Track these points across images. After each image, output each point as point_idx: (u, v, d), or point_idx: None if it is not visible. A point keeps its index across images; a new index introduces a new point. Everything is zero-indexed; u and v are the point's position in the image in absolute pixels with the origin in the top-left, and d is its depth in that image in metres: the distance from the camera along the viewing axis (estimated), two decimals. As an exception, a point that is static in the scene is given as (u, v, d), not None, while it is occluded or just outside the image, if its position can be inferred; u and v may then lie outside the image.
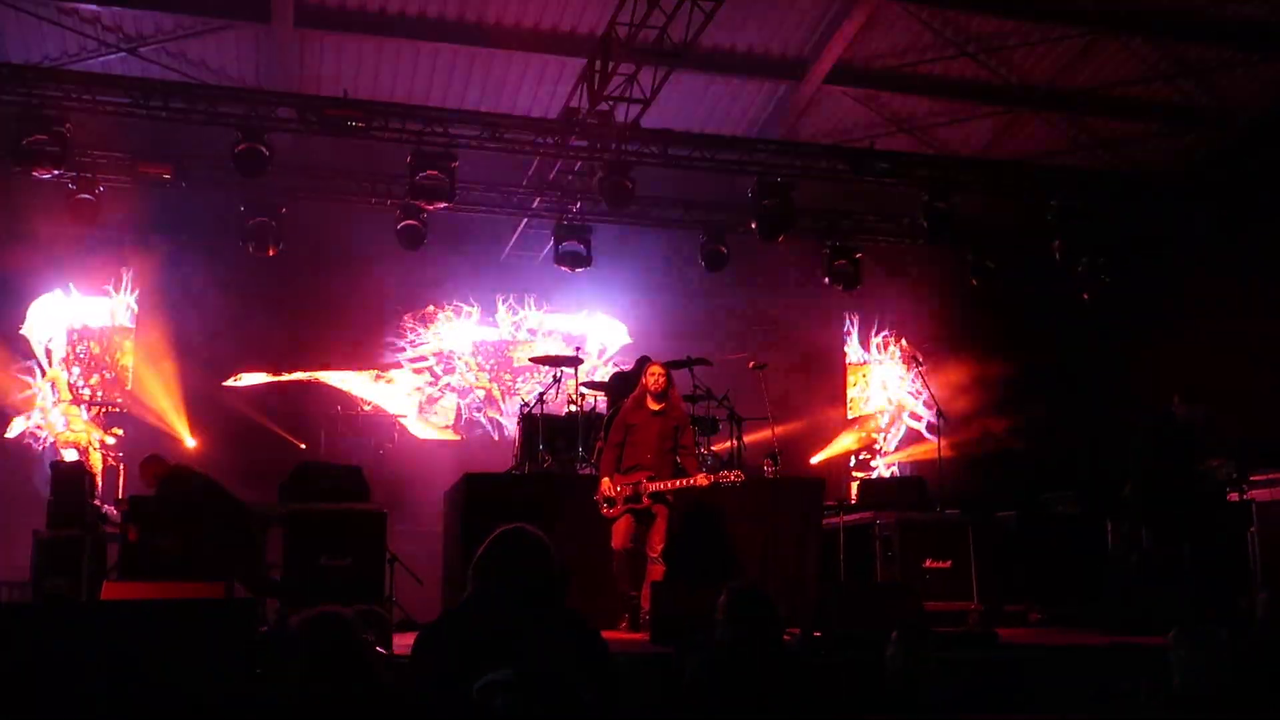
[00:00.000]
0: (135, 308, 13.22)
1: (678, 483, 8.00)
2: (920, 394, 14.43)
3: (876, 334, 15.82)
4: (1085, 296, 14.03)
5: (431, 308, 14.42)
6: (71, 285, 13.05)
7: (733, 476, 8.01)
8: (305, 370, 13.71)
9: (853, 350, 15.77)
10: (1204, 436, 9.25)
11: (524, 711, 3.27)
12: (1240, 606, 8.64)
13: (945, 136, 13.15)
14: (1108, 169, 13.33)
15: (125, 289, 13.23)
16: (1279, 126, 12.57)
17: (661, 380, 8.21)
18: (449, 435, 14.34)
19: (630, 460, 8.13)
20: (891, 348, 15.73)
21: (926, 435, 14.44)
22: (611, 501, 8.09)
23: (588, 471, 9.88)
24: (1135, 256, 13.60)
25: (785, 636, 7.31)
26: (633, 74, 10.51)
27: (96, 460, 12.74)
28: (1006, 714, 4.44)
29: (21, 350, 12.80)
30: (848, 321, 15.63)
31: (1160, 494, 9.08)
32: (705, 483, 7.94)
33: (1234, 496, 9.45)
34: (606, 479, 8.15)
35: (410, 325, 14.31)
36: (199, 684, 3.97)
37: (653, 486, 8.00)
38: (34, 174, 10.57)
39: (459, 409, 14.42)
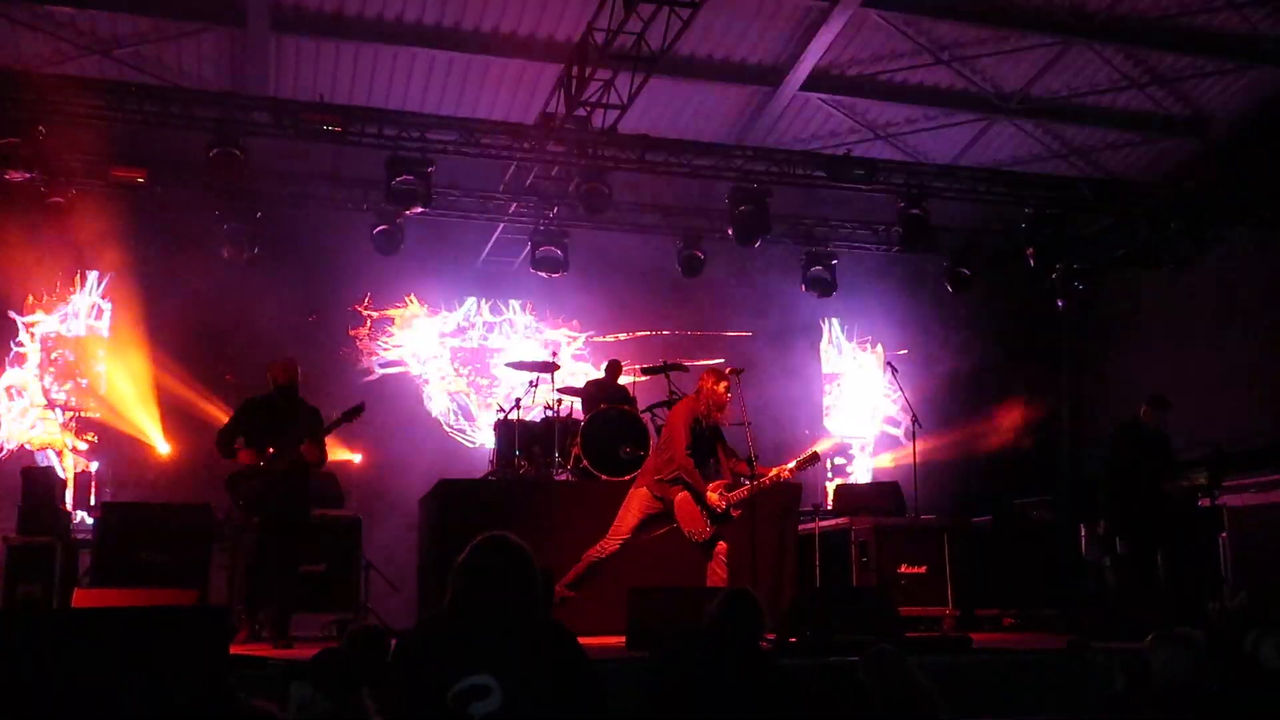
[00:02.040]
0: (108, 314, 13.09)
1: (764, 481, 7.76)
2: (896, 400, 14.47)
3: (852, 340, 15.87)
4: (1060, 303, 14.15)
5: (408, 308, 14.36)
6: (43, 292, 12.93)
7: (810, 455, 7.95)
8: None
9: (828, 356, 15.81)
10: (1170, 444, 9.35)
11: (500, 718, 3.28)
12: (1212, 610, 8.74)
13: (920, 144, 13.22)
14: (1081, 176, 13.44)
15: (97, 294, 13.11)
16: (1252, 134, 12.70)
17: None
18: (423, 437, 14.26)
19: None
20: (868, 354, 15.78)
21: (902, 441, 14.48)
22: (722, 518, 7.69)
23: (564, 477, 9.88)
24: (1109, 263, 13.72)
25: (762, 642, 7.38)
26: (610, 80, 10.52)
27: (78, 461, 12.65)
28: (981, 718, 4.46)
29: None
30: (824, 327, 15.67)
31: (1130, 502, 9.18)
32: (790, 475, 7.84)
33: (1205, 502, 9.54)
34: (713, 493, 7.70)
35: (385, 329, 14.24)
36: (170, 692, 3.94)
37: (738, 495, 7.71)
38: (7, 177, 10.47)
39: (432, 412, 14.36)
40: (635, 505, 7.83)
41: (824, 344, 15.76)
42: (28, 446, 12.57)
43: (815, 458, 8.05)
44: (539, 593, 3.62)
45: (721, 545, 7.69)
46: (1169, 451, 9.26)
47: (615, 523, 7.86)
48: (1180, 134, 13.24)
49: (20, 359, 12.77)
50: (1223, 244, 12.66)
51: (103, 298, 13.08)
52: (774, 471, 7.76)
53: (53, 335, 13.00)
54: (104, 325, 13.10)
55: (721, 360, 12.65)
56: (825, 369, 15.77)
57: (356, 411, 8.04)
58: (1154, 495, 9.02)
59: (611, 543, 7.79)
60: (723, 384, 7.89)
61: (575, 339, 14.72)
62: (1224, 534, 9.39)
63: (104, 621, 4.32)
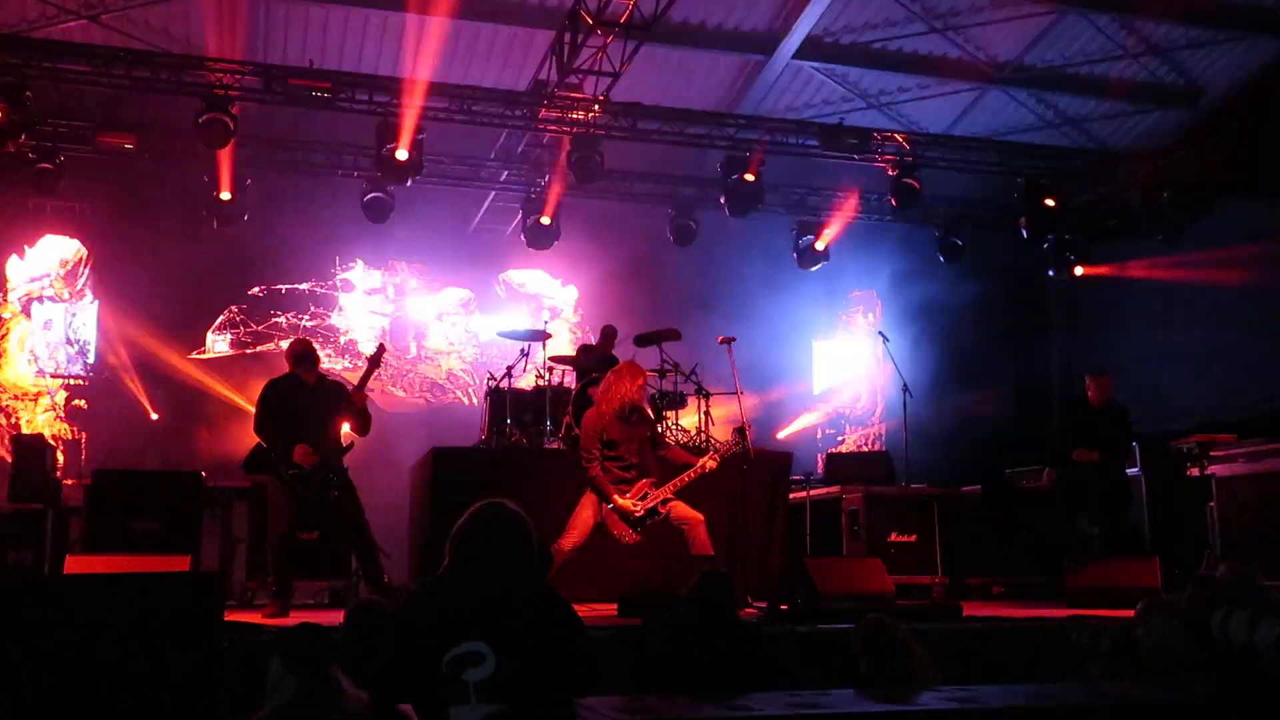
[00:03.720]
0: (93, 281, 13.03)
1: (691, 475, 7.46)
2: (887, 369, 14.49)
3: (844, 309, 15.87)
4: (1051, 273, 14.17)
5: (399, 276, 14.35)
6: (31, 257, 12.86)
7: (733, 445, 7.75)
8: (270, 342, 13.61)
9: (820, 325, 15.81)
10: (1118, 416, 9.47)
11: (496, 686, 3.29)
12: (1199, 579, 8.79)
13: (913, 112, 13.17)
14: (1075, 146, 13.42)
15: (86, 262, 13.04)
16: (1245, 105, 12.67)
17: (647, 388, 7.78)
18: (418, 402, 14.29)
19: (625, 473, 7.51)
20: (859, 322, 15.79)
21: (893, 410, 14.51)
22: (640, 522, 7.41)
23: (555, 445, 9.89)
24: (1101, 233, 13.73)
25: (751, 610, 7.43)
26: (602, 47, 10.45)
27: (65, 430, 12.62)
28: (970, 684, 4.49)
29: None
30: (816, 296, 15.66)
31: (1075, 476, 9.34)
32: (715, 465, 7.52)
33: (1194, 471, 9.61)
34: (626, 499, 7.41)
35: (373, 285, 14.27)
36: (163, 658, 3.94)
37: (661, 494, 7.44)
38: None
39: (425, 380, 14.37)
40: (589, 504, 7.54)
41: (815, 313, 15.75)
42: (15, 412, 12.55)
43: (742, 432, 7.88)
44: (535, 561, 3.63)
45: (693, 518, 7.44)
46: (1119, 423, 9.36)
47: (571, 519, 7.50)
48: (1174, 104, 13.20)
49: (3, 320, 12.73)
50: (1214, 215, 12.67)
51: (92, 265, 13.01)
52: (700, 463, 7.48)
53: (41, 301, 12.94)
54: (92, 293, 13.04)
55: (712, 329, 12.64)
56: (816, 338, 15.78)
57: (379, 356, 7.84)
58: (1096, 470, 9.23)
59: (570, 539, 7.41)
60: (639, 380, 7.57)
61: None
62: (1212, 503, 9.43)
63: (98, 587, 4.31)
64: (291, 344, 8.06)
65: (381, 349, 8.00)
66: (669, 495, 7.45)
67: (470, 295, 14.67)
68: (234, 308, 13.45)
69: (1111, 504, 9.33)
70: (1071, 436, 9.48)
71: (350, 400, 7.67)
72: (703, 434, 10.22)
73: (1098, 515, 9.30)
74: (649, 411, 7.90)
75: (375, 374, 7.95)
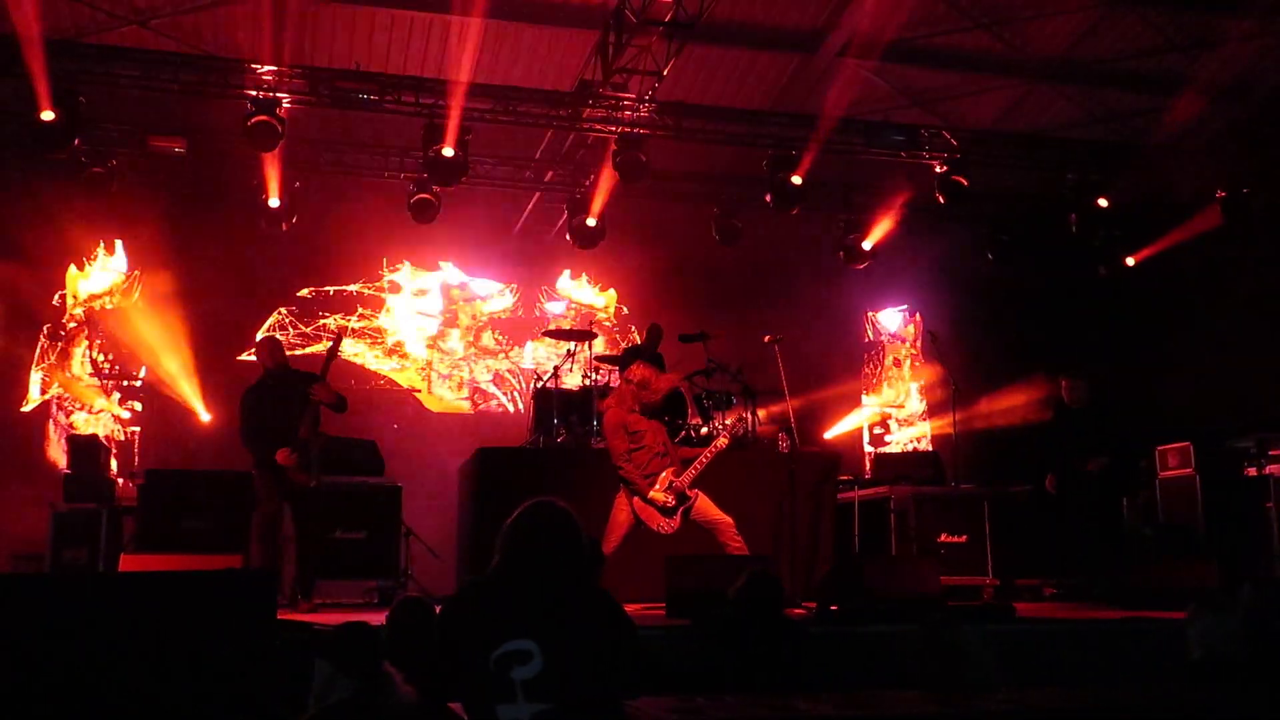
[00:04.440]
0: (149, 284, 13.18)
1: (706, 456, 7.75)
2: (936, 367, 14.38)
3: (892, 308, 15.77)
4: (1102, 271, 13.98)
5: (446, 277, 14.43)
6: (86, 261, 13.05)
7: (731, 425, 8.00)
8: (319, 343, 13.73)
9: (868, 324, 15.72)
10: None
11: (543, 684, 3.28)
12: (1256, 581, 8.64)
13: (960, 109, 13.04)
14: (1124, 142, 13.23)
15: (140, 271, 13.20)
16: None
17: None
18: (463, 406, 14.35)
19: (653, 465, 7.76)
20: (907, 321, 15.68)
21: (941, 409, 14.39)
22: (673, 511, 7.67)
23: (601, 445, 9.88)
24: (1153, 229, 13.53)
25: (800, 610, 7.39)
26: (646, 46, 10.44)
27: (118, 431, 12.80)
28: (1026, 688, 4.43)
29: (39, 324, 12.80)
30: (863, 295, 15.57)
31: (1061, 479, 9.30)
32: (727, 440, 7.85)
33: (1251, 471, 9.46)
34: (656, 491, 7.67)
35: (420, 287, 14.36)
36: (217, 655, 3.97)
37: (688, 477, 7.70)
38: (47, 149, 10.55)
39: (473, 381, 14.44)
40: (622, 505, 7.79)
41: (861, 312, 15.66)
42: (58, 393, 12.72)
43: (784, 429, 8.03)
44: (584, 558, 3.62)
45: (720, 520, 7.66)
46: (1098, 425, 9.26)
47: (609, 523, 7.74)
48: (1224, 99, 12.98)
49: (65, 328, 12.92)
50: (1267, 207, 12.46)
51: (143, 267, 13.17)
52: (713, 444, 7.82)
53: (96, 305, 13.13)
54: (145, 295, 13.20)
55: (758, 329, 12.60)
56: (864, 337, 15.69)
57: (335, 348, 8.25)
58: (1077, 471, 9.20)
59: (610, 543, 7.62)
60: (664, 383, 7.99)
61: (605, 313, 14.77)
62: (1270, 503, 9.27)
63: (155, 584, 4.36)
64: (261, 344, 8.47)
65: (338, 340, 8.46)
66: (693, 477, 7.68)
67: (516, 295, 14.71)
68: (283, 309, 13.59)
69: (1101, 508, 9.22)
70: (1056, 440, 9.38)
71: (314, 391, 7.98)
72: (750, 435, 10.17)
73: (1088, 521, 9.18)
74: (659, 400, 8.03)
75: (334, 363, 8.22)
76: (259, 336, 8.62)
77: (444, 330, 14.43)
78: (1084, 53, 12.32)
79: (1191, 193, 12.92)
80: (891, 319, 15.81)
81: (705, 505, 7.72)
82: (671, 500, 7.62)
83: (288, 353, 8.71)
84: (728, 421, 9.81)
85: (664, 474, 7.69)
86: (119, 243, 13.11)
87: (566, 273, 14.81)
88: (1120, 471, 9.43)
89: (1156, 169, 12.90)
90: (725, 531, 7.61)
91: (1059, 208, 13.13)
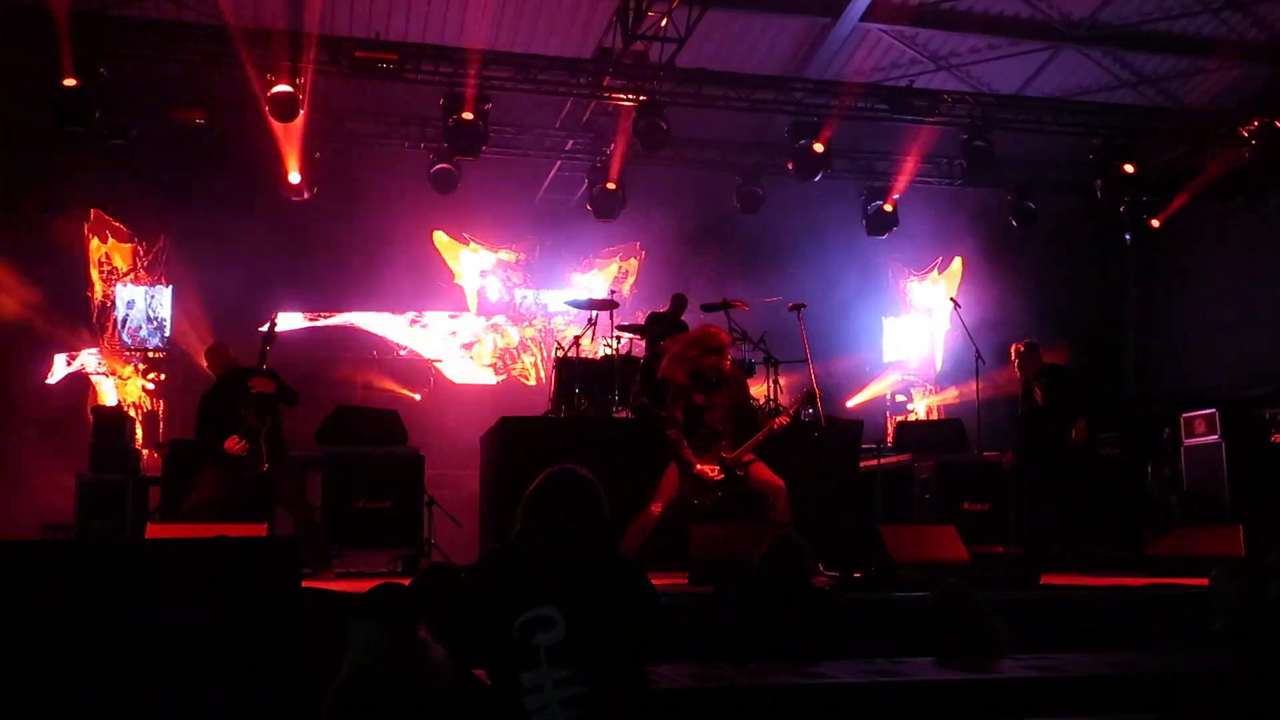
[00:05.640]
0: (167, 259, 13.25)
1: (763, 434, 7.37)
2: (958, 335, 14.30)
3: (915, 275, 15.68)
4: (1128, 237, 13.85)
5: (468, 248, 14.44)
6: (109, 235, 13.12)
7: (799, 403, 7.67)
8: (341, 314, 13.77)
9: (891, 291, 15.64)
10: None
11: (566, 651, 3.29)
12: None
13: (985, 74, 12.91)
14: (1151, 106, 13.07)
15: (163, 246, 13.26)
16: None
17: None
18: (487, 375, 14.39)
19: (704, 439, 7.42)
20: (930, 289, 15.59)
21: (964, 376, 14.32)
22: (717, 487, 7.33)
23: (623, 415, 9.88)
24: (1179, 196, 13.38)
25: (823, 578, 7.38)
26: (667, 12, 10.36)
27: (145, 400, 12.90)
28: (1050, 653, 4.42)
29: (66, 298, 12.89)
30: (885, 262, 15.48)
31: (1025, 455, 9.07)
32: (786, 421, 7.44)
33: (1278, 438, 9.39)
34: (704, 465, 7.32)
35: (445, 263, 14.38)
36: (242, 622, 4.00)
37: (742, 453, 7.35)
38: (69, 122, 10.57)
39: (496, 349, 14.48)
40: (675, 468, 7.51)
41: (884, 279, 15.58)
42: (85, 371, 12.82)
43: (811, 397, 7.79)
44: (607, 525, 3.62)
45: (775, 484, 7.35)
46: (1055, 391, 9.07)
47: (662, 482, 7.49)
48: (1255, 61, 12.79)
49: (93, 301, 13.02)
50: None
51: (166, 238, 13.22)
52: (774, 422, 7.43)
53: (125, 285, 13.21)
54: (169, 267, 13.26)
55: (780, 298, 12.54)
56: (886, 305, 15.62)
57: (270, 334, 8.35)
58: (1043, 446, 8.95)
59: (659, 503, 7.41)
60: (714, 344, 7.48)
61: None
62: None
63: (182, 551, 4.39)
64: (210, 351, 8.63)
65: (272, 324, 8.44)
66: (747, 457, 7.36)
67: (537, 263, 14.70)
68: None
69: (1059, 483, 8.94)
70: (1022, 414, 9.20)
71: (253, 384, 8.12)
72: (772, 402, 10.15)
73: (1044, 498, 8.93)
74: (734, 377, 7.72)
75: (269, 350, 8.32)
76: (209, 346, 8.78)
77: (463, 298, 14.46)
78: (1111, 16, 12.15)
79: (1220, 158, 12.75)
80: (915, 285, 15.71)
81: (759, 469, 7.43)
82: (719, 475, 7.34)
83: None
84: (783, 403, 9.66)
85: (718, 447, 7.40)
86: (141, 214, 13.13)
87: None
88: (1132, 436, 9.23)
89: (1186, 134, 12.75)
90: (776, 495, 7.27)
91: (1085, 173, 13.01)
